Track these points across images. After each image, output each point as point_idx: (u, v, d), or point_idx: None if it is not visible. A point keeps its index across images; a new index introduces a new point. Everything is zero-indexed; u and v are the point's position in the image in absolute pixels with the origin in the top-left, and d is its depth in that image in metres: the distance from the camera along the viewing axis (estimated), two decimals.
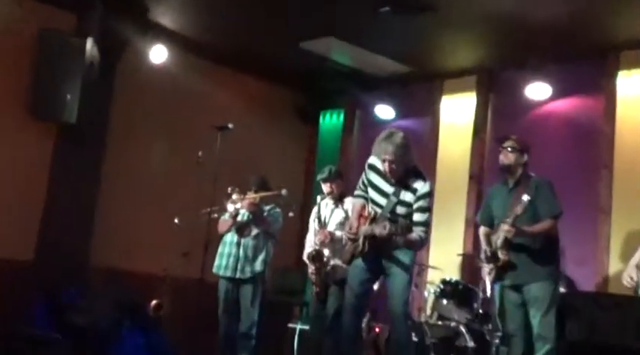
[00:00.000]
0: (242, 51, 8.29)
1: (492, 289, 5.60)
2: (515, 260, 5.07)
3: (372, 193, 5.10)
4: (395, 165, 4.90)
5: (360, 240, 4.94)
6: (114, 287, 6.85)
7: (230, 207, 6.61)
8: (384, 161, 4.93)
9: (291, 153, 9.31)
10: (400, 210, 4.95)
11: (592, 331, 3.67)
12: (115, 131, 7.72)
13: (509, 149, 5.24)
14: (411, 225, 4.88)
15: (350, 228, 5.10)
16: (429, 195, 4.99)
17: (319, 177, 6.60)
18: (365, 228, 4.93)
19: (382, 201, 4.98)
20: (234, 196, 6.60)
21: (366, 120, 8.83)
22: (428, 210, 4.96)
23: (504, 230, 5.03)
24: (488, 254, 5.21)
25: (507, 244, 5.05)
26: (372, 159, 5.13)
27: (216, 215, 6.65)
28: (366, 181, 5.14)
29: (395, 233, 4.72)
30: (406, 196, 4.92)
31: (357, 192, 5.23)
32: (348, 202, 6.25)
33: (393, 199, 4.94)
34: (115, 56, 7.57)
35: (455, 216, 7.94)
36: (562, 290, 5.25)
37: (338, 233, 6.27)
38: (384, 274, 4.99)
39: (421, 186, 4.95)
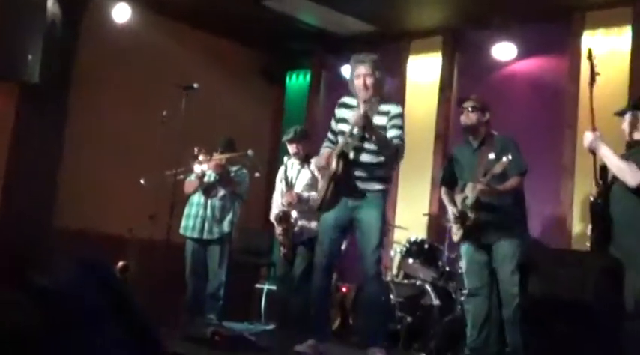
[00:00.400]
0: (207, 10, 8.15)
1: (459, 248, 5.54)
2: (485, 219, 5.07)
3: (343, 127, 4.99)
4: (371, 78, 4.84)
5: (334, 162, 4.83)
6: (78, 248, 6.80)
7: (196, 168, 6.60)
8: (359, 76, 4.88)
9: (258, 113, 9.26)
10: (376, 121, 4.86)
11: (553, 287, 3.72)
12: (79, 90, 7.62)
13: (469, 109, 5.23)
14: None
15: (319, 167, 5.02)
16: (402, 115, 4.95)
17: (284, 137, 6.57)
18: (337, 146, 4.86)
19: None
20: (201, 157, 6.58)
21: (332, 80, 8.79)
22: (402, 128, 4.90)
23: (479, 189, 5.01)
24: (457, 214, 5.20)
25: (478, 204, 5.05)
26: (343, 98, 5.10)
27: (182, 176, 6.63)
28: (334, 123, 5.05)
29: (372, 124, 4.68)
30: (379, 120, 4.87)
31: (325, 145, 5.15)
32: (314, 161, 6.20)
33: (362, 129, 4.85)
34: (78, 14, 7.46)
35: (421, 176, 7.96)
36: None
37: (305, 194, 6.27)
38: (355, 226, 4.89)
39: (394, 108, 4.92)
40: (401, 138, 4.86)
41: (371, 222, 4.81)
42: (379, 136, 4.76)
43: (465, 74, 7.96)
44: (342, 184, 4.83)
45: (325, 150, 5.06)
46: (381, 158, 4.88)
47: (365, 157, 4.85)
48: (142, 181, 6.58)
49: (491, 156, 5.09)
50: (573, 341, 3.65)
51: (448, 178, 5.46)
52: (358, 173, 4.83)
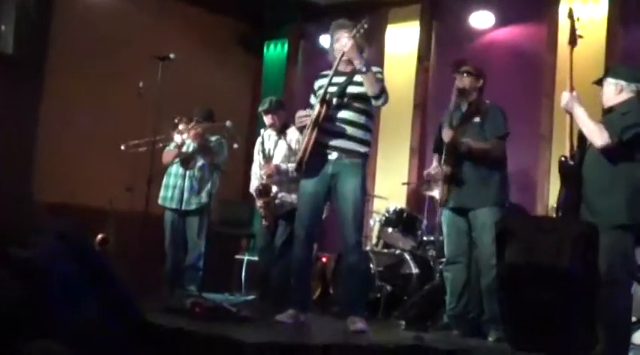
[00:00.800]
0: None
1: (440, 216, 5.54)
2: (462, 181, 5.06)
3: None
4: (351, 42, 4.74)
5: (317, 107, 4.78)
6: (57, 220, 6.78)
7: (176, 138, 6.59)
8: (337, 40, 4.85)
9: (236, 84, 9.21)
10: (354, 89, 4.83)
11: (530, 253, 3.76)
12: (54, 62, 7.54)
13: (464, 74, 5.21)
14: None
15: (300, 118, 4.93)
16: (380, 72, 4.90)
17: (260, 108, 6.52)
18: (321, 91, 4.80)
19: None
20: (181, 126, 6.59)
21: (310, 50, 8.76)
22: (382, 79, 4.83)
23: (444, 133, 5.06)
24: (435, 170, 5.24)
25: (451, 155, 5.04)
26: (322, 72, 5.04)
27: (161, 144, 6.62)
28: (314, 98, 4.98)
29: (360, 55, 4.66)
30: (358, 78, 4.80)
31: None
32: (292, 132, 6.22)
33: (346, 81, 4.82)
34: None
35: (400, 146, 7.99)
36: None
37: (283, 165, 6.26)
38: (334, 195, 4.85)
39: (373, 68, 4.85)
40: (382, 81, 4.81)
41: (350, 191, 4.77)
42: (365, 66, 4.70)
43: (443, 43, 7.96)
44: (324, 133, 4.77)
45: (303, 111, 4.99)
46: (362, 119, 4.86)
47: (346, 114, 4.81)
48: (122, 147, 6.54)
49: (477, 120, 5.13)
50: (550, 308, 3.71)
51: (439, 144, 5.37)
52: (339, 129, 4.79)
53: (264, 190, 6.23)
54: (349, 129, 4.80)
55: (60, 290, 3.46)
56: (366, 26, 4.77)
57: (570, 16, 4.69)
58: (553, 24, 7.10)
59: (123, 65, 7.78)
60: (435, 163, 5.42)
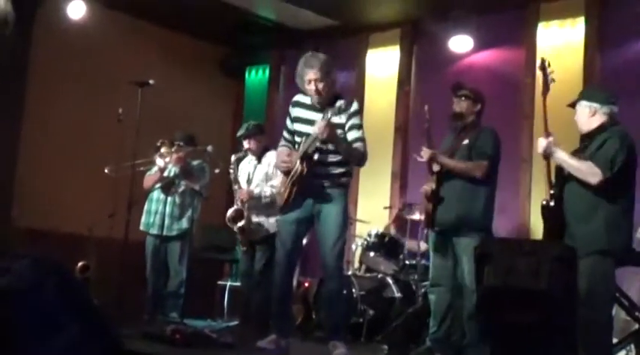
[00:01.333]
0: (164, 5, 8.08)
1: (423, 236, 5.50)
2: (446, 204, 5.05)
3: (298, 127, 4.95)
4: (322, 83, 4.78)
5: (297, 164, 4.78)
6: (35, 247, 6.75)
7: (159, 161, 6.60)
8: (309, 81, 4.81)
9: (218, 109, 9.23)
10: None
11: (509, 276, 3.77)
12: (34, 88, 7.56)
13: (462, 98, 5.20)
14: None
15: (282, 162, 4.96)
16: (360, 112, 4.91)
17: (238, 133, 6.54)
18: (301, 148, 4.82)
19: (311, 130, 4.81)
20: (163, 149, 6.60)
21: (291, 75, 8.61)
22: (361, 127, 4.85)
23: (422, 151, 5.07)
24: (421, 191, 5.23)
25: (435, 175, 5.05)
26: (296, 97, 5.05)
27: (142, 168, 6.63)
28: (290, 123, 5.00)
29: (336, 136, 4.67)
30: (337, 119, 4.78)
31: (281, 143, 5.11)
32: (270, 156, 6.22)
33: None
34: (31, 11, 7.34)
35: (381, 169, 7.98)
36: None
37: (256, 190, 6.26)
38: (315, 221, 4.87)
39: (351, 105, 4.84)
40: (362, 139, 4.84)
41: (331, 218, 4.79)
42: (343, 148, 4.76)
43: (423, 67, 8.02)
44: (305, 185, 4.82)
45: (282, 148, 5.02)
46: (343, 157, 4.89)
47: (328, 157, 4.84)
48: (106, 170, 6.52)
49: (466, 142, 5.11)
50: (530, 330, 3.71)
51: None
52: (320, 171, 4.82)
53: (236, 216, 6.23)
54: (331, 169, 4.84)
55: (36, 318, 3.42)
56: (342, 107, 4.74)
57: (542, 67, 4.78)
58: (531, 46, 7.17)
59: (103, 91, 7.78)
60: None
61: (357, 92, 8.26)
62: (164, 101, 7.72)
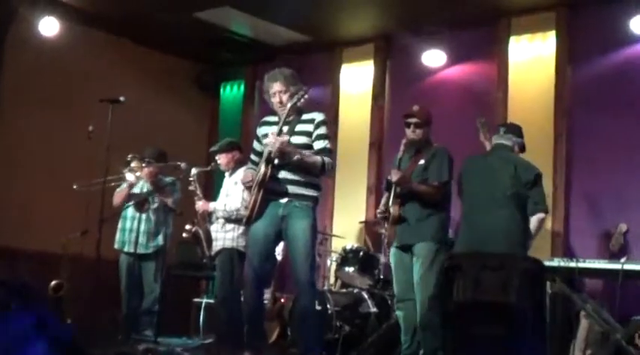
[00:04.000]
0: (138, 22, 8.07)
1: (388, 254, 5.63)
2: (406, 220, 5.23)
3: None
4: (285, 94, 4.82)
5: (262, 167, 4.77)
6: (7, 266, 6.69)
7: (129, 176, 6.56)
8: (274, 94, 4.86)
9: (193, 125, 9.19)
10: (298, 139, 4.83)
11: (478, 290, 3.78)
12: (6, 105, 7.49)
13: (415, 125, 5.34)
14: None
15: (244, 184, 4.98)
16: (327, 123, 4.93)
17: (210, 150, 6.58)
18: (264, 154, 4.80)
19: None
20: (134, 164, 6.56)
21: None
22: (328, 137, 4.88)
23: (392, 173, 5.22)
24: (382, 209, 5.35)
25: (399, 197, 5.22)
26: (264, 118, 5.09)
27: (113, 184, 6.57)
28: (256, 144, 5.03)
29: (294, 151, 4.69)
30: (303, 127, 4.84)
31: (248, 166, 5.12)
32: (240, 172, 6.14)
33: (289, 133, 4.82)
34: (3, 28, 7.31)
35: (356, 184, 8.01)
36: None
37: (212, 205, 6.29)
38: (285, 236, 4.85)
39: (317, 115, 4.89)
40: (328, 150, 4.84)
41: (299, 234, 4.77)
42: (297, 162, 4.74)
43: (397, 81, 8.05)
44: (271, 189, 4.80)
45: (248, 171, 5.01)
46: None
47: (292, 172, 4.83)
48: (74, 186, 6.49)
49: (421, 162, 5.28)
50: (499, 344, 3.71)
51: (389, 187, 5.47)
52: (287, 176, 4.81)
53: (193, 238, 6.31)
54: (297, 177, 4.82)
55: (5, 339, 3.40)
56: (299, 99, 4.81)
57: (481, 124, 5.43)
58: (503, 61, 7.23)
59: (76, 108, 7.71)
60: (383, 201, 5.49)
61: (331, 107, 8.28)
62: (138, 117, 7.70)
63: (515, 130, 5.52)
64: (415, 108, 5.42)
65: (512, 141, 5.43)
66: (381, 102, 8.08)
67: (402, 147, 5.37)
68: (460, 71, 7.60)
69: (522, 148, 5.50)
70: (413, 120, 5.34)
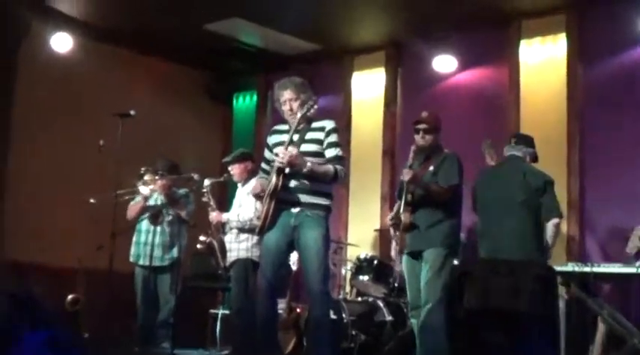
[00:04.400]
0: (147, 34, 8.11)
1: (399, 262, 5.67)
2: (416, 227, 5.23)
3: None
4: (296, 102, 4.82)
5: (273, 178, 4.75)
6: (24, 281, 6.71)
7: (143, 189, 6.59)
8: (284, 102, 4.86)
9: (205, 136, 9.20)
10: (309, 147, 4.80)
11: (488, 297, 3.74)
12: (19, 121, 7.53)
13: (423, 131, 5.34)
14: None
15: (254, 194, 4.99)
16: (338, 131, 4.90)
17: (223, 160, 6.65)
18: (275, 163, 4.77)
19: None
20: (147, 177, 6.58)
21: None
22: (339, 145, 4.87)
23: (404, 172, 5.22)
24: (393, 217, 5.34)
25: (410, 204, 5.21)
26: (274, 126, 5.10)
27: (127, 197, 6.62)
28: (267, 152, 5.01)
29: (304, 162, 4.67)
30: (313, 135, 4.82)
31: (259, 175, 5.09)
32: (253, 182, 6.07)
33: (299, 141, 4.79)
34: (16, 43, 7.37)
35: (370, 192, 7.99)
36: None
37: (224, 216, 6.33)
38: (297, 246, 4.83)
39: (328, 123, 4.87)
40: (339, 157, 4.83)
41: (311, 243, 4.74)
42: (312, 173, 4.73)
43: (409, 88, 8.05)
44: (282, 198, 4.78)
45: (260, 181, 5.01)
46: None
47: (304, 180, 4.80)
48: (91, 200, 6.51)
49: (431, 168, 5.27)
50: (508, 351, 3.67)
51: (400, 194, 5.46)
52: (298, 185, 4.79)
53: (207, 249, 6.37)
54: (310, 185, 4.80)
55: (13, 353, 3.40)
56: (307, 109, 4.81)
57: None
58: (514, 64, 7.21)
59: (86, 121, 7.74)
60: (395, 208, 5.48)
61: (343, 115, 8.28)
62: (150, 130, 7.75)
63: (526, 141, 5.58)
64: (424, 114, 5.43)
65: (523, 151, 5.54)
66: (393, 109, 8.09)
67: (411, 154, 5.37)
68: (471, 76, 7.60)
69: (534, 158, 5.57)
70: (422, 126, 5.34)
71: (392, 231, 5.46)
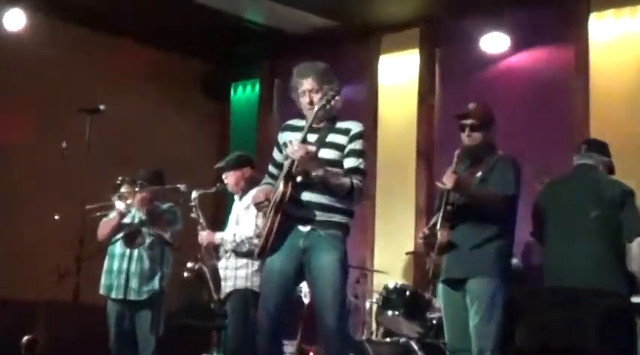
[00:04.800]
0: (126, 13, 8.19)
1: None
2: (456, 247, 5.15)
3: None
4: (317, 94, 4.79)
5: (280, 186, 4.72)
6: None
7: (119, 204, 6.56)
8: (303, 93, 4.85)
9: (197, 136, 9.31)
10: (327, 153, 4.78)
11: (545, 333, 3.70)
12: None
13: (470, 128, 5.28)
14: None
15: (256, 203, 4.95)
16: (364, 136, 4.87)
17: (215, 166, 6.63)
18: (284, 168, 4.77)
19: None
20: (124, 189, 6.56)
21: (287, 90, 8.73)
22: (364, 154, 4.84)
23: (445, 176, 5.12)
24: (427, 233, 5.28)
25: (449, 218, 5.15)
26: (288, 121, 5.08)
27: (98, 214, 6.60)
28: (277, 153, 5.01)
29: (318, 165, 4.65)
30: (335, 138, 4.80)
31: (265, 180, 5.08)
32: (251, 196, 6.10)
33: (316, 143, 4.76)
34: None
35: (402, 205, 8.01)
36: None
37: (218, 236, 6.31)
38: (307, 272, 4.79)
39: (354, 126, 4.84)
40: (360, 170, 4.81)
41: (325, 270, 4.71)
42: (324, 181, 4.70)
43: (449, 74, 8.07)
44: (290, 213, 4.74)
45: (264, 187, 4.99)
46: None
47: (318, 190, 4.77)
48: (55, 216, 6.49)
49: (479, 174, 5.20)
50: None
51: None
52: (311, 198, 4.76)
53: (197, 275, 6.34)
54: (324, 199, 4.77)
55: None
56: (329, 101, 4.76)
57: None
58: (581, 42, 7.20)
59: (46, 118, 7.82)
60: (432, 221, 5.39)
61: (368, 109, 8.32)
62: (126, 129, 7.83)
63: (599, 147, 5.52)
64: (471, 106, 5.36)
65: (596, 159, 5.47)
66: (431, 101, 8.10)
67: (455, 159, 5.24)
68: (528, 58, 7.60)
69: (610, 169, 5.50)
70: (468, 121, 5.27)
71: (425, 251, 5.42)
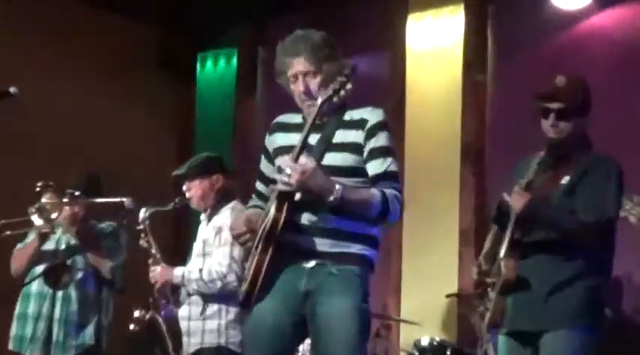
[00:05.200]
0: None
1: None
2: (526, 288, 5.02)
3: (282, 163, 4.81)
4: (316, 78, 4.57)
5: (271, 210, 4.53)
6: None
7: (37, 221, 6.47)
8: (294, 77, 4.61)
9: (151, 128, 9.50)
10: (336, 159, 4.59)
11: None
12: None
13: (557, 114, 5.01)
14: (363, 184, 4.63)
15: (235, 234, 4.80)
16: (388, 126, 4.65)
17: (173, 173, 6.65)
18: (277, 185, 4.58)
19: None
20: (46, 198, 6.48)
21: (274, 63, 8.67)
22: (391, 151, 4.61)
23: (513, 194, 4.99)
24: (483, 267, 5.20)
25: (516, 245, 5.01)
26: (278, 118, 4.88)
27: (9, 232, 6.59)
28: (266, 164, 4.84)
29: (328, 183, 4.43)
30: (346, 135, 4.60)
31: (250, 203, 4.96)
32: (225, 212, 6.20)
33: (319, 146, 4.58)
34: None
35: (440, 226, 7.99)
36: None
37: (178, 271, 6.22)
38: (311, 324, 4.62)
39: (371, 114, 4.62)
40: (391, 174, 4.60)
41: (336, 320, 4.51)
42: (346, 204, 4.48)
43: (507, 39, 8.09)
44: (287, 244, 4.56)
45: (251, 211, 4.87)
46: None
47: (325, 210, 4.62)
48: None
49: (566, 180, 4.97)
50: None
51: (502, 213, 5.31)
52: (316, 221, 4.57)
53: (150, 327, 6.40)
54: (335, 223, 4.55)
55: None
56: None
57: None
58: None
59: None
60: (485, 248, 5.35)
61: (391, 87, 8.37)
62: (50, 119, 8.06)
63: None
64: (560, 81, 5.07)
65: None
66: (481, 77, 8.04)
67: (534, 166, 5.05)
68: (615, 17, 7.62)
69: None
70: (555, 105, 5.00)
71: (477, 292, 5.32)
